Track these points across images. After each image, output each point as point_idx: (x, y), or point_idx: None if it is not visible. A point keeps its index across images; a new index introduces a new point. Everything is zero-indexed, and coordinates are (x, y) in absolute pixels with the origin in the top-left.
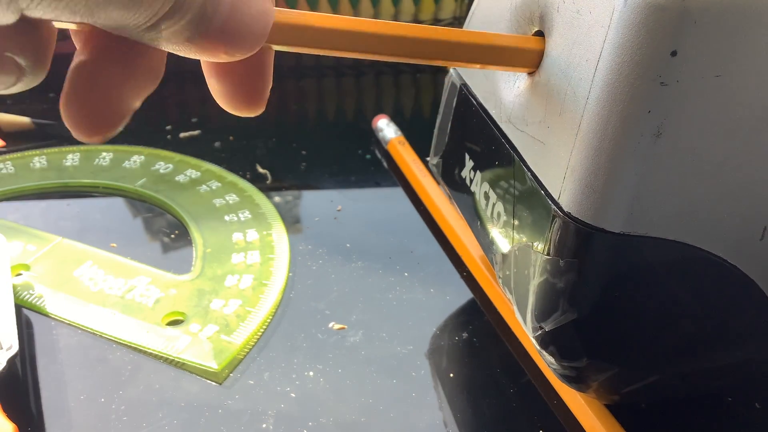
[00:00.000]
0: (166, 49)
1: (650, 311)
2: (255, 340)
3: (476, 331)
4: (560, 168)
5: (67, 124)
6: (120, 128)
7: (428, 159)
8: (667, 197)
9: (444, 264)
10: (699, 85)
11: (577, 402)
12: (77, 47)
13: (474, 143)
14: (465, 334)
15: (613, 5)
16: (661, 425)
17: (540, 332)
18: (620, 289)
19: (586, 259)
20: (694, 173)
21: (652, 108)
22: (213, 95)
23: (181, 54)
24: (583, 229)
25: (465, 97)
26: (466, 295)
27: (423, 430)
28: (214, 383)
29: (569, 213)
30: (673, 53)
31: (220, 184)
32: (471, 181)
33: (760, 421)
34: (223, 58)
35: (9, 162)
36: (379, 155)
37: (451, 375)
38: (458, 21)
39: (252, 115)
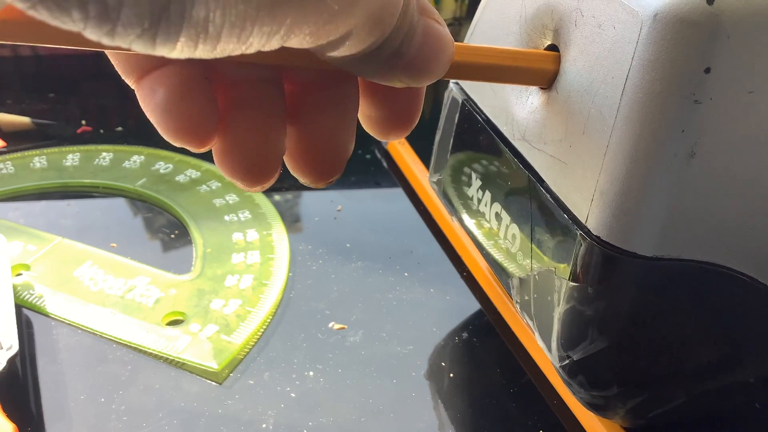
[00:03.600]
0: (350, 72)
1: (681, 334)
2: (255, 340)
3: (476, 331)
4: (587, 190)
5: (295, 173)
6: (341, 172)
7: (428, 176)
8: (699, 218)
9: (444, 264)
10: (732, 103)
11: (577, 402)
12: (287, 89)
13: (481, 161)
14: (465, 334)
15: (640, 20)
16: (659, 424)
17: (567, 362)
18: (652, 314)
19: (617, 285)
20: (727, 192)
21: (685, 127)
22: (363, 122)
23: (358, 75)
24: (613, 254)
25: (469, 112)
26: (466, 295)
27: (423, 430)
28: (214, 383)
29: (598, 237)
30: (707, 70)
31: (220, 184)
32: (479, 201)
33: (760, 421)
34: (398, 85)
35: (9, 162)
36: (379, 155)
37: (451, 375)
38: (458, 21)
39: (400, 138)
